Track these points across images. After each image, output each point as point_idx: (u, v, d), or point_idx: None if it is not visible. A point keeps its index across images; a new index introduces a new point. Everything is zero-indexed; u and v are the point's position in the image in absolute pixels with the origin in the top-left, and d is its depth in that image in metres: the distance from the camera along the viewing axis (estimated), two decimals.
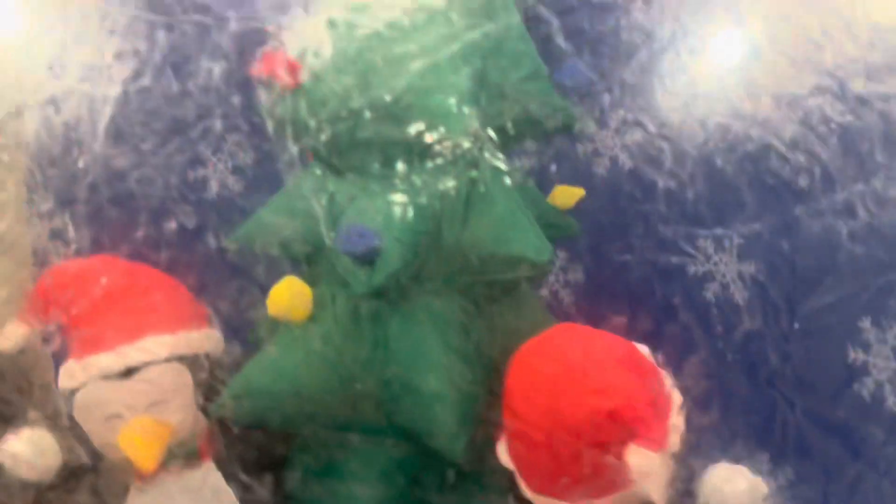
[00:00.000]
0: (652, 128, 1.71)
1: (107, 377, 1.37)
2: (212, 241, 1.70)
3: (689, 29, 1.71)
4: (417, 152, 1.38)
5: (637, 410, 1.07)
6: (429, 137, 1.37)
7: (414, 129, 1.37)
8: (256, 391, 1.44)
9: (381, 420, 1.48)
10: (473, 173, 1.44)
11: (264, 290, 1.57)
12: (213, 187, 1.86)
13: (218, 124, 1.72)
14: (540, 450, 1.11)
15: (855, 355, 1.58)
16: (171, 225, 1.72)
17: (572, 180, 1.66)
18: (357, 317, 1.43)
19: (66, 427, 1.42)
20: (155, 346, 1.40)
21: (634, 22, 1.71)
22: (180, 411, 1.42)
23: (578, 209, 1.61)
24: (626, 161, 1.80)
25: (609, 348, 1.17)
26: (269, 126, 1.41)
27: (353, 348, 1.43)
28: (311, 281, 1.44)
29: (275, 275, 1.57)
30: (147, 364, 1.39)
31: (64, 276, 1.44)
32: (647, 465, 1.04)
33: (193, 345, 1.47)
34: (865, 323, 1.59)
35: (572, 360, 1.13)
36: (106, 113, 1.71)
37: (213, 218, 1.76)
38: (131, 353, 1.38)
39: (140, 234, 1.65)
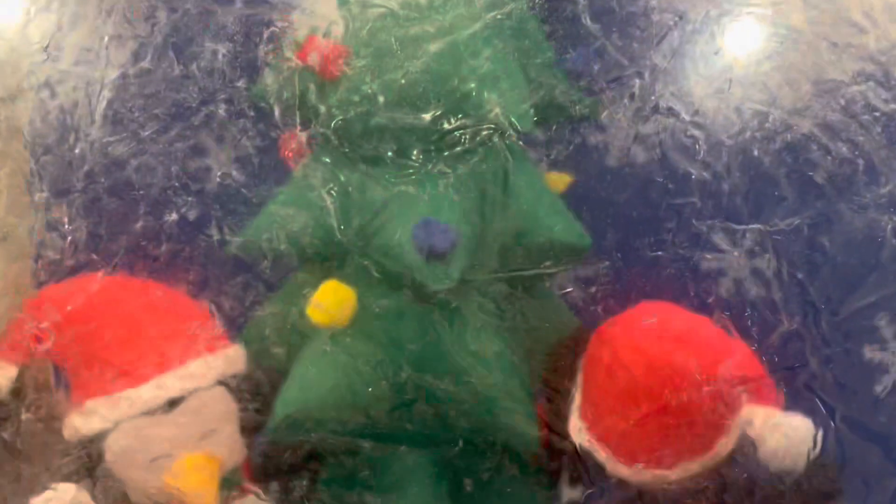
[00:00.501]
0: (685, 115, 1.60)
1: (146, 413, 1.19)
2: (214, 234, 1.62)
3: (725, 9, 1.60)
4: (435, 139, 1.30)
5: (757, 369, 1.10)
6: (447, 123, 1.29)
7: (431, 114, 1.28)
8: (310, 408, 1.33)
9: (430, 425, 1.39)
10: (502, 160, 1.37)
11: (269, 286, 1.50)
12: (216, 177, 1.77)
13: (222, 110, 1.63)
14: (649, 418, 1.09)
15: None
16: (172, 216, 1.63)
17: (595, 170, 1.57)
18: (401, 317, 1.34)
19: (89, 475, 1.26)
20: (201, 370, 1.24)
21: (666, 2, 1.60)
22: (229, 440, 1.27)
23: (601, 201, 1.52)
24: (653, 151, 1.69)
25: (705, 318, 1.21)
26: (276, 112, 1.32)
27: (400, 350, 1.35)
28: (320, 281, 1.36)
29: (279, 270, 1.53)
30: (192, 393, 1.22)
31: (61, 302, 1.25)
32: (768, 422, 1.06)
33: (232, 364, 1.31)
34: None
35: (679, 326, 1.17)
36: (104, 97, 1.61)
37: (216, 210, 1.66)
38: (174, 383, 1.20)
39: (139, 225, 1.56)
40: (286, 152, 1.47)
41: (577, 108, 1.45)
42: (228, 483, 1.28)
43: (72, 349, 1.22)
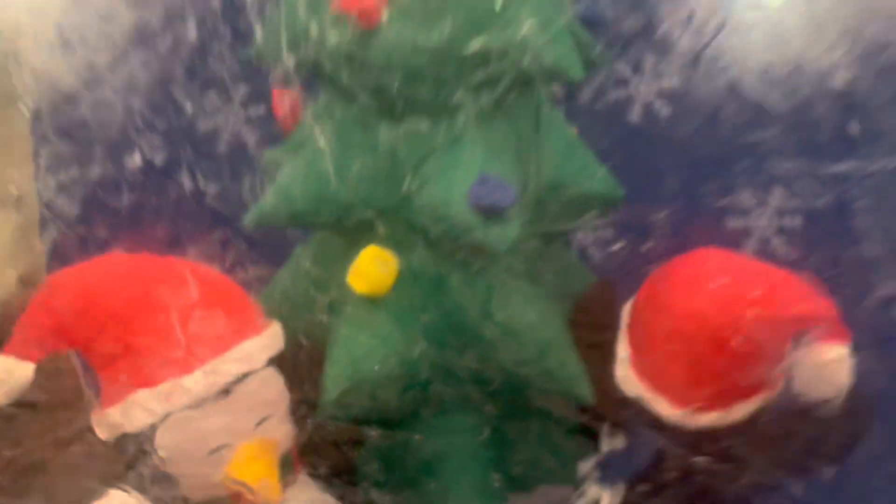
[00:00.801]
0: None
1: (198, 403, 1.05)
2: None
3: None
4: (476, 85, 1.15)
5: (817, 305, 1.08)
6: (489, 67, 1.13)
7: (473, 54, 1.12)
8: (364, 383, 1.21)
9: (481, 388, 1.30)
10: (535, 109, 1.24)
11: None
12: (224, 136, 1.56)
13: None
14: (712, 361, 1.09)
15: None
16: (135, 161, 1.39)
17: (604, 129, 1.45)
18: (443, 280, 1.22)
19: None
20: (252, 351, 1.09)
21: None
22: (282, 424, 1.15)
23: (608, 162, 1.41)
24: (662, 108, 1.59)
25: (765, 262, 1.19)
26: (291, 63, 1.12)
27: (444, 314, 1.23)
28: (351, 247, 1.21)
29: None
30: (245, 376, 1.09)
31: (82, 286, 1.07)
32: (839, 359, 1.06)
33: (277, 342, 1.17)
34: None
35: (738, 268, 1.15)
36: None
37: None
38: (227, 367, 1.06)
39: (97, 173, 1.33)
40: (280, 111, 1.30)
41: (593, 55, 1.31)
42: (283, 468, 1.17)
43: (101, 339, 1.04)
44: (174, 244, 1.36)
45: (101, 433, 1.07)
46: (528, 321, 1.24)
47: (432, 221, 1.16)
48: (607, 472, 1.25)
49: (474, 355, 1.25)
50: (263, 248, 1.48)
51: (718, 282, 1.10)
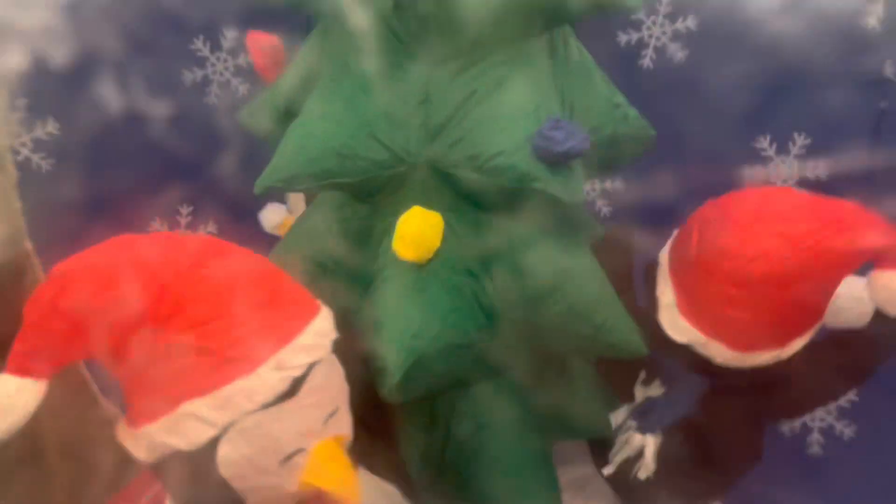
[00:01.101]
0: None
1: (267, 404, 0.89)
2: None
3: None
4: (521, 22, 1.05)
5: (877, 233, 1.04)
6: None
7: None
8: (429, 355, 1.08)
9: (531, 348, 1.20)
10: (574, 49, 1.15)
11: None
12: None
13: None
14: (767, 299, 1.06)
15: None
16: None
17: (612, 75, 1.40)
18: (484, 238, 1.10)
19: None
20: (319, 335, 0.94)
21: None
22: (348, 414, 1.01)
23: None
24: (677, 52, 1.53)
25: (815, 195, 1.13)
26: None
27: (491, 274, 1.11)
28: (375, 212, 1.10)
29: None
30: (313, 367, 0.93)
31: (107, 281, 0.85)
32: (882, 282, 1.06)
33: (333, 324, 1.02)
34: None
35: (788, 203, 1.10)
36: None
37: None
38: (294, 359, 0.91)
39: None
40: (260, 58, 1.21)
41: None
42: None
43: (134, 341, 0.85)
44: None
45: (140, 454, 0.90)
46: (574, 276, 1.14)
47: (484, 174, 1.03)
48: (646, 420, 1.23)
49: (521, 316, 1.14)
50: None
51: (781, 219, 1.06)
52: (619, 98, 1.19)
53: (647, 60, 1.52)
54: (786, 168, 1.47)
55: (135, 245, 0.88)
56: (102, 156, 1.51)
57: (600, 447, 1.28)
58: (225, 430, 0.86)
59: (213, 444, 0.86)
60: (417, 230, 1.04)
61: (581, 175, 1.04)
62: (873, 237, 1.02)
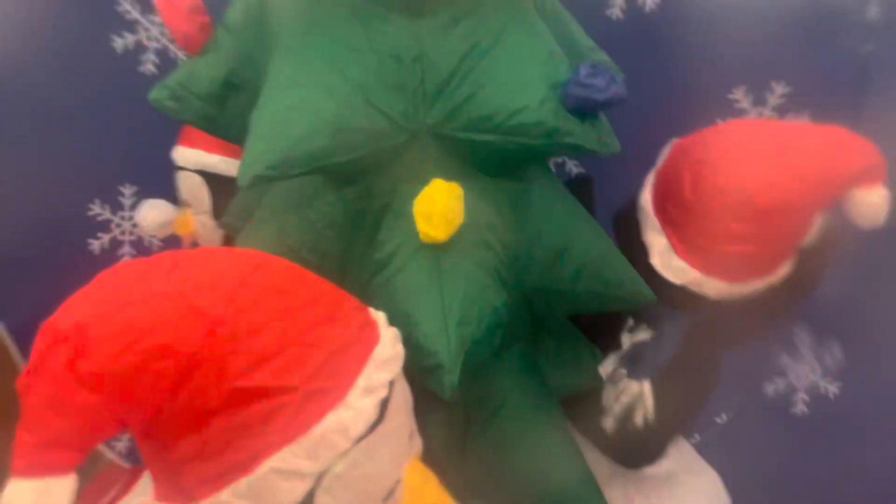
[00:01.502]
0: None
1: (359, 440, 0.72)
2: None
3: None
4: None
5: (876, 154, 1.06)
6: None
7: None
8: (477, 345, 0.96)
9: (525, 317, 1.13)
10: None
11: None
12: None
13: None
14: (765, 231, 1.07)
15: None
16: None
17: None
18: (490, 203, 0.99)
19: None
20: (392, 349, 0.79)
21: None
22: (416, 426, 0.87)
23: None
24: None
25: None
26: None
27: (507, 244, 1.01)
28: (369, 194, 0.96)
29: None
30: (393, 385, 0.78)
31: (136, 326, 0.64)
32: (884, 199, 1.07)
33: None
34: None
35: (783, 130, 1.13)
36: None
37: None
38: (379, 377, 0.76)
39: None
40: (173, 21, 0.99)
41: None
42: None
43: (182, 396, 0.65)
44: None
45: None
46: (580, 234, 1.08)
47: (504, 134, 0.92)
48: (639, 365, 1.22)
49: (534, 282, 1.06)
50: None
51: (778, 150, 1.06)
52: (594, 45, 1.11)
53: (616, 10, 1.44)
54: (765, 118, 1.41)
55: (152, 274, 0.67)
56: (27, 133, 1.35)
57: (570, 403, 1.25)
58: (319, 480, 0.69)
59: (309, 499, 0.69)
60: (446, 206, 0.91)
61: (608, 127, 0.95)
62: (864, 157, 1.05)
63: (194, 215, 1.43)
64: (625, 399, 1.23)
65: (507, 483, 1.08)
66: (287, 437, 0.67)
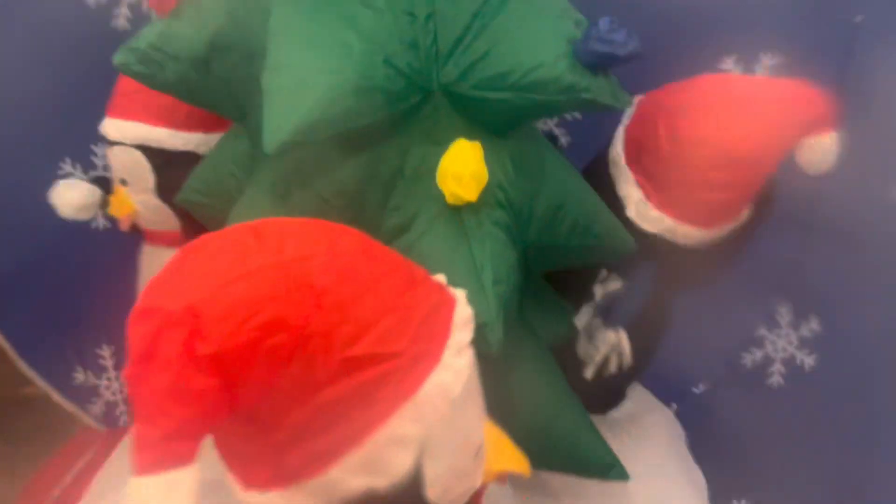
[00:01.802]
0: None
1: (454, 400, 0.73)
2: None
3: None
4: None
5: (830, 102, 1.11)
6: None
7: None
8: (512, 302, 0.97)
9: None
10: None
11: None
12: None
13: None
14: (750, 174, 1.14)
15: None
16: None
17: None
18: (497, 162, 0.97)
19: None
20: (467, 307, 0.78)
21: None
22: None
23: None
24: None
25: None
26: None
27: (514, 204, 1.00)
28: (376, 160, 0.93)
29: None
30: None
31: (255, 302, 0.60)
32: (834, 144, 1.13)
33: None
34: None
35: (752, 82, 1.20)
36: None
37: None
38: (464, 336, 0.76)
39: None
40: None
41: None
42: None
43: (286, 376, 0.62)
44: None
45: None
46: (573, 191, 1.10)
47: (520, 91, 0.91)
48: (613, 314, 1.28)
49: (533, 239, 1.07)
50: None
51: (751, 101, 1.12)
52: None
53: None
54: None
55: (243, 247, 0.63)
56: None
57: None
58: (424, 444, 0.68)
59: (417, 466, 0.68)
60: (476, 166, 0.89)
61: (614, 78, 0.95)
62: (821, 106, 1.11)
63: (134, 195, 1.33)
64: (603, 348, 1.29)
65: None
66: (395, 404, 0.65)
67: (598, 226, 1.10)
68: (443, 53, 0.91)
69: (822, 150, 1.13)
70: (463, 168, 0.88)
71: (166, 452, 0.56)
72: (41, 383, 1.60)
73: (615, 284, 1.27)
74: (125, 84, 1.26)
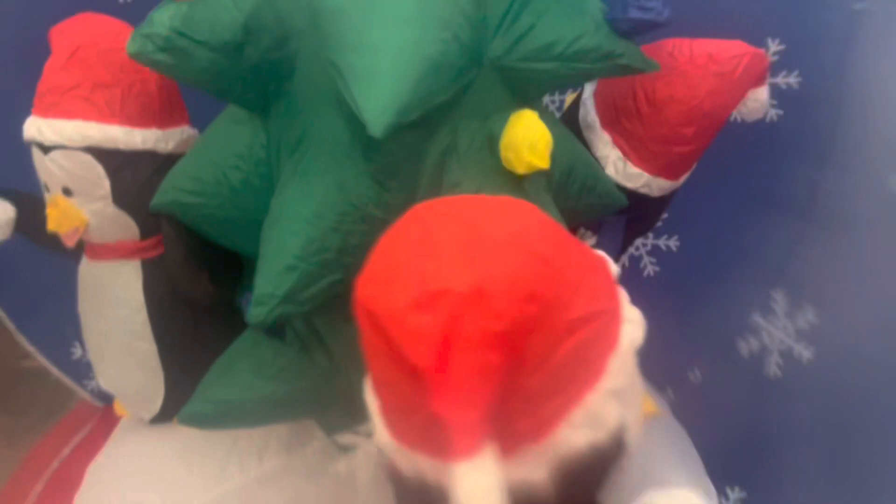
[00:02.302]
0: None
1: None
2: None
3: None
4: None
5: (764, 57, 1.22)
6: None
7: None
8: None
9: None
10: None
11: None
12: None
13: None
14: (715, 127, 1.24)
15: None
16: None
17: None
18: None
19: None
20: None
21: None
22: None
23: None
24: None
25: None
26: None
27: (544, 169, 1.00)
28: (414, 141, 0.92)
29: None
30: None
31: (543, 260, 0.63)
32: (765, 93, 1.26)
33: None
34: None
35: (707, 44, 1.22)
36: None
37: None
38: (624, 292, 0.79)
39: None
40: None
41: None
42: None
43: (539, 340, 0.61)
44: None
45: (539, 474, 0.66)
46: (579, 154, 1.16)
47: (564, 60, 0.94)
48: None
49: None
50: None
51: (712, 61, 1.19)
52: None
53: None
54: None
55: (479, 222, 0.63)
56: None
57: None
58: (625, 393, 0.69)
59: (623, 414, 0.69)
60: (545, 132, 0.91)
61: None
62: (763, 62, 1.23)
63: (83, 205, 1.18)
64: None
65: None
66: (606, 359, 0.67)
67: (600, 185, 1.17)
68: (492, 27, 0.92)
69: (760, 100, 1.25)
70: (536, 136, 0.90)
71: (484, 433, 0.56)
72: (40, 357, 1.60)
73: (590, 240, 1.36)
74: (58, 78, 1.14)
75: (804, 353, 1.42)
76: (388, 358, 0.60)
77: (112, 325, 1.30)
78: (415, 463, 0.65)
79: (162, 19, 0.88)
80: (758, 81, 1.24)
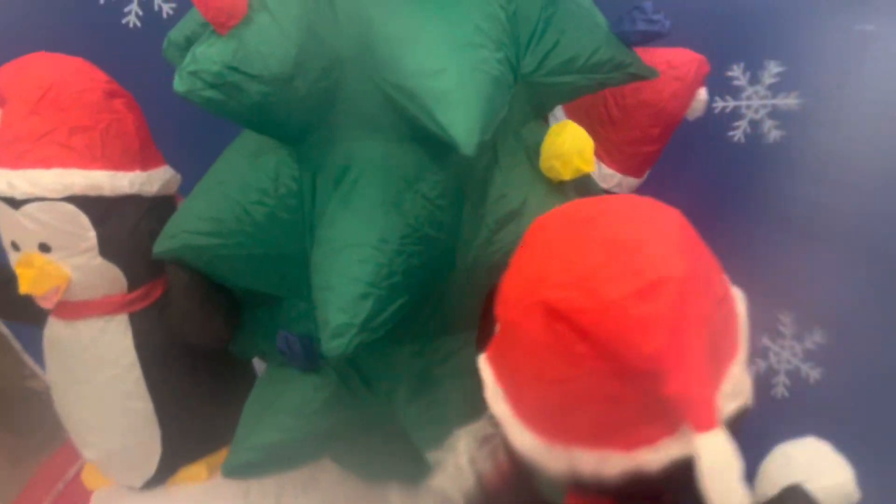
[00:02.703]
0: None
1: None
2: None
3: None
4: None
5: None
6: None
7: None
8: None
9: None
10: None
11: None
12: None
13: None
14: (673, 125, 1.34)
15: None
16: None
17: None
18: None
19: None
20: None
21: None
22: None
23: None
24: None
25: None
26: None
27: None
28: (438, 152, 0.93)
29: None
30: None
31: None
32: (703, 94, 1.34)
33: None
34: None
35: (671, 53, 1.29)
36: None
37: None
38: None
39: None
40: None
41: None
42: None
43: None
44: None
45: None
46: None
47: (583, 73, 1.01)
48: None
49: None
50: None
51: (672, 66, 1.28)
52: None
53: None
54: (757, 98, 1.41)
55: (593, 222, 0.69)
56: None
57: None
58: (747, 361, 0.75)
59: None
60: (589, 140, 0.97)
61: None
62: (706, 67, 1.32)
63: (64, 260, 1.08)
64: None
65: None
66: (739, 332, 0.73)
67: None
68: (523, 46, 0.97)
69: (702, 99, 1.35)
70: (583, 144, 0.96)
71: (716, 407, 0.62)
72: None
73: None
74: (26, 124, 1.04)
75: (811, 373, 1.42)
76: (588, 355, 0.62)
77: (99, 389, 1.19)
78: (570, 459, 0.68)
79: (209, 54, 0.84)
80: (702, 83, 1.36)
